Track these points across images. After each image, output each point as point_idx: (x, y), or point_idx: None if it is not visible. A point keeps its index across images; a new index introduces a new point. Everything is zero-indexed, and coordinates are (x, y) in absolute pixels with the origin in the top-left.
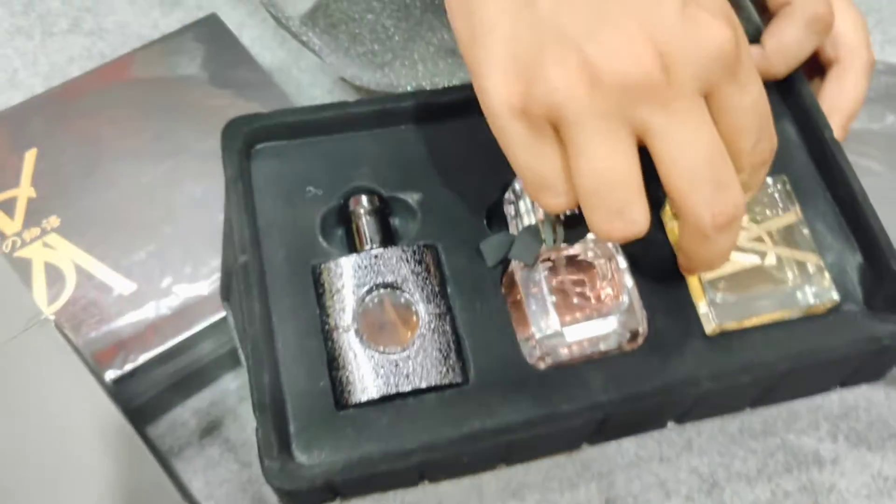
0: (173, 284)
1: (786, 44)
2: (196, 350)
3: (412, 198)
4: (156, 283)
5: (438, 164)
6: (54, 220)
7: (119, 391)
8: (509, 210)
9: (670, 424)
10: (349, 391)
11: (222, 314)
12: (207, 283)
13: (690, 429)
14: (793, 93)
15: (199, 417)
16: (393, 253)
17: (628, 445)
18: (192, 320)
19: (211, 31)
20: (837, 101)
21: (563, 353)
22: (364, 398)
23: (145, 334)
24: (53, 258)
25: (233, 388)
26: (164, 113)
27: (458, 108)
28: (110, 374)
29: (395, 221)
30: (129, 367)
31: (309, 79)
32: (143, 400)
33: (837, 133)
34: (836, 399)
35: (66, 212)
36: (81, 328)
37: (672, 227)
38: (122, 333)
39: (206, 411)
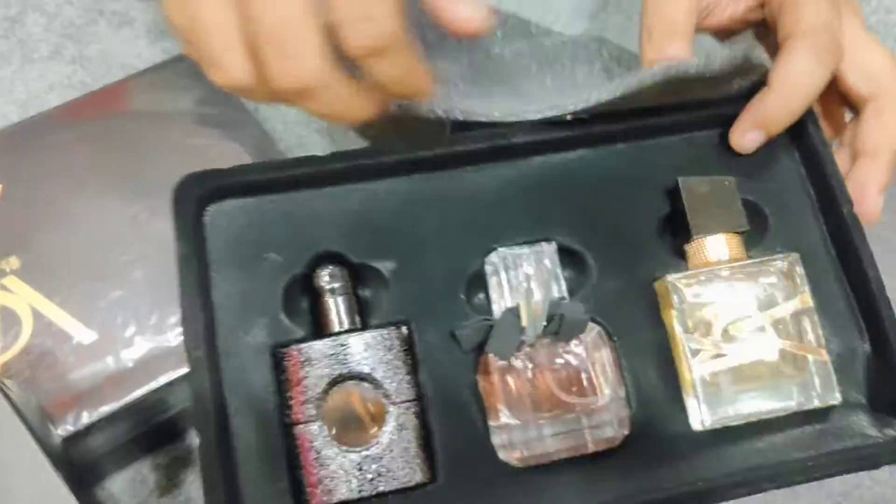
0: (136, 334)
1: (794, 76)
2: (158, 405)
3: (385, 266)
4: (118, 333)
5: (414, 225)
6: (14, 262)
7: (74, 446)
8: (491, 282)
9: None
10: (310, 493)
11: (187, 368)
12: (173, 335)
13: None
14: (813, 158)
15: (160, 474)
16: (361, 338)
17: None
18: (154, 373)
19: (195, 66)
20: (879, 138)
21: (538, 450)
22: (325, 502)
23: (104, 387)
24: (10, 302)
25: (198, 443)
26: (142, 150)
27: (437, 162)
28: (64, 429)
29: (366, 292)
30: (84, 421)
31: (295, 115)
32: (100, 454)
33: (884, 173)
34: None
35: (27, 253)
36: (36, 378)
37: (668, 313)
38: (80, 386)
39: (168, 468)
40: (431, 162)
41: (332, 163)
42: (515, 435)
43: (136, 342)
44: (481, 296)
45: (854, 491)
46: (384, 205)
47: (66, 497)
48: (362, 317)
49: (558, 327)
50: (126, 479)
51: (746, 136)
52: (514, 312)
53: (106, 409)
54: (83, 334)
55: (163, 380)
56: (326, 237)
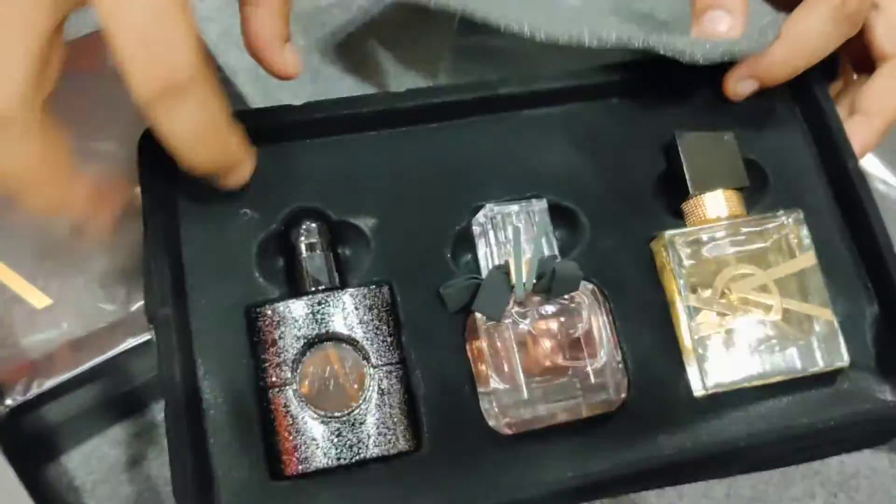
0: (95, 299)
1: (806, 34)
2: (117, 375)
3: (365, 224)
4: (76, 297)
5: (397, 181)
6: None
7: (24, 417)
8: (479, 240)
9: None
10: (285, 461)
11: (148, 334)
12: (134, 301)
13: (671, 491)
14: (815, 112)
15: (120, 449)
16: (340, 298)
17: None
18: (113, 341)
19: None
20: (882, 100)
21: (529, 416)
22: (301, 470)
23: (59, 354)
24: None
25: (161, 417)
26: (111, 110)
27: (420, 114)
28: (14, 399)
29: (346, 251)
30: (35, 391)
31: (276, 81)
32: (54, 427)
33: (873, 136)
34: (834, 464)
35: None
36: None
37: (666, 273)
38: (32, 353)
39: (128, 443)
40: (415, 114)
41: (309, 113)
42: (505, 400)
43: (94, 307)
44: (468, 255)
45: (850, 481)
46: (365, 159)
47: (4, 469)
48: (342, 276)
49: (549, 284)
50: (83, 454)
51: (742, 82)
52: (502, 270)
53: (60, 378)
54: (37, 298)
55: (122, 348)
56: (303, 192)
